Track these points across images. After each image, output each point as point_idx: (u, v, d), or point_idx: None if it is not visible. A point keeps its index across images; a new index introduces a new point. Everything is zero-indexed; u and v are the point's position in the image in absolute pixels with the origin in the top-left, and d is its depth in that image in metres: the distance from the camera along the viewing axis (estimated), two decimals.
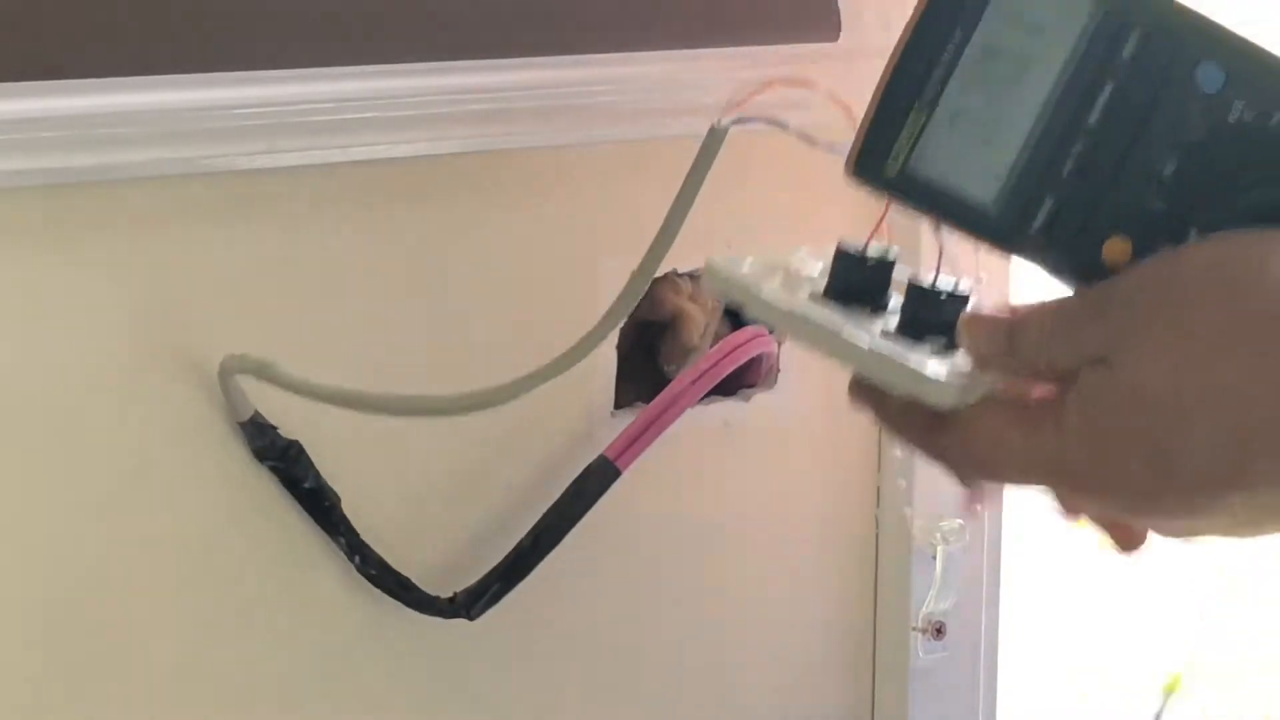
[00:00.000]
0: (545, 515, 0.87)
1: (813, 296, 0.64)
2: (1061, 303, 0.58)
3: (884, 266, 0.63)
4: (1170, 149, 0.57)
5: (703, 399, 0.90)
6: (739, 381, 0.97)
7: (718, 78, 0.92)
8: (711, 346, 0.92)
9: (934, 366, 0.59)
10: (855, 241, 0.64)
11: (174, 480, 0.81)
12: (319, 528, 0.85)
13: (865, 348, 0.60)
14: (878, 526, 1.06)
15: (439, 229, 0.87)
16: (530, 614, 0.90)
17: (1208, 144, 0.57)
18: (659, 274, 0.93)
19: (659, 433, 0.87)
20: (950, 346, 0.60)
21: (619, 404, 0.94)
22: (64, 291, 0.77)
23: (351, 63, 0.81)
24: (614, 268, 0.90)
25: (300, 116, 0.79)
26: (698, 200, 0.72)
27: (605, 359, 0.93)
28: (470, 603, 0.87)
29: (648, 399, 0.91)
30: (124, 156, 0.75)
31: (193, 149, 0.77)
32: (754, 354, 0.90)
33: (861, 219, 0.66)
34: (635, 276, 0.76)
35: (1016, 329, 0.58)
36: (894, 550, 1.05)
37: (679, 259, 0.94)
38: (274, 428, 0.82)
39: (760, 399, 0.99)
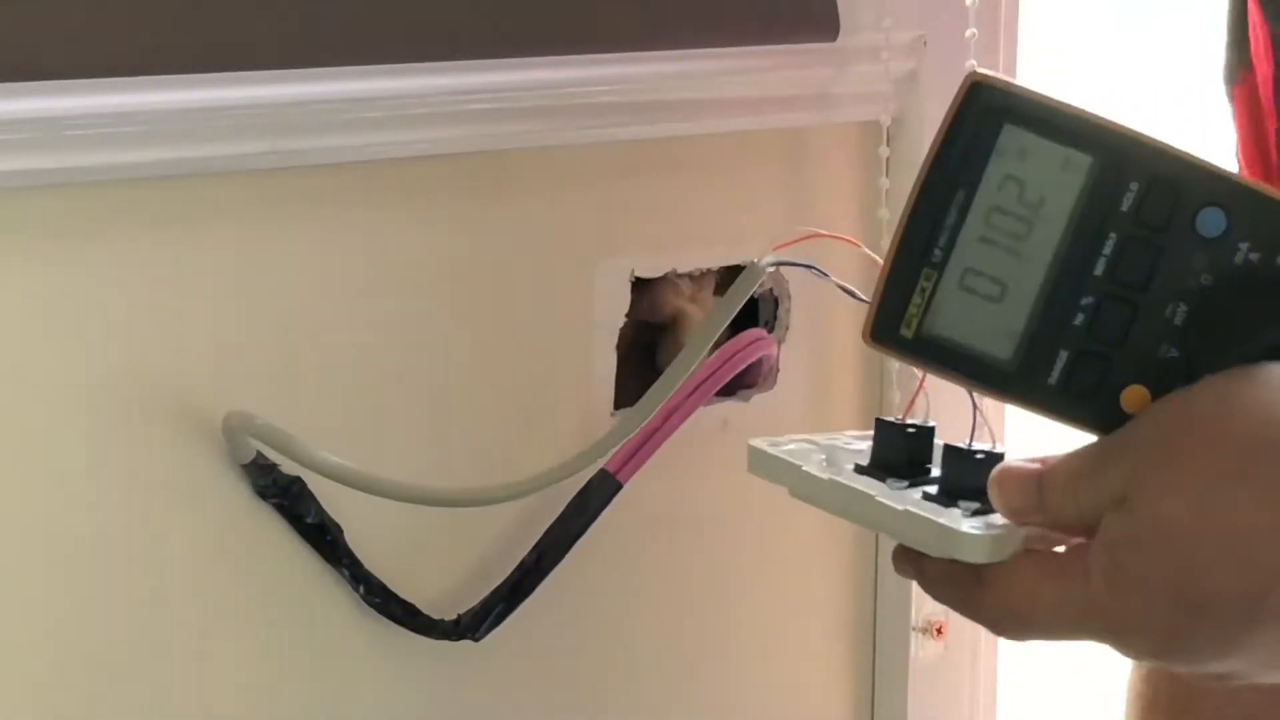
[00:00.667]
0: (547, 532, 0.87)
1: (856, 469, 0.66)
2: (1086, 449, 0.59)
3: (924, 434, 0.65)
4: (1179, 296, 0.58)
5: (705, 402, 0.90)
6: (739, 382, 0.97)
7: (718, 78, 0.93)
8: (711, 348, 0.92)
9: (968, 525, 0.61)
10: (894, 416, 0.66)
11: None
12: (323, 560, 0.84)
13: (900, 509, 0.61)
14: None
15: (439, 229, 0.87)
16: (534, 631, 0.90)
17: (1215, 288, 0.57)
18: (659, 275, 0.94)
19: (659, 444, 0.87)
20: (985, 509, 0.61)
21: (619, 404, 0.93)
22: (62, 297, 0.77)
23: (351, 63, 0.80)
24: (614, 268, 0.91)
25: (301, 116, 0.79)
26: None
27: (605, 359, 0.93)
28: (475, 624, 0.87)
29: None
30: (124, 156, 0.75)
31: (193, 149, 0.77)
32: (753, 359, 0.90)
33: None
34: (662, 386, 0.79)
35: (1045, 480, 0.59)
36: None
37: (679, 260, 0.94)
38: (275, 466, 0.82)
39: (760, 399, 0.99)
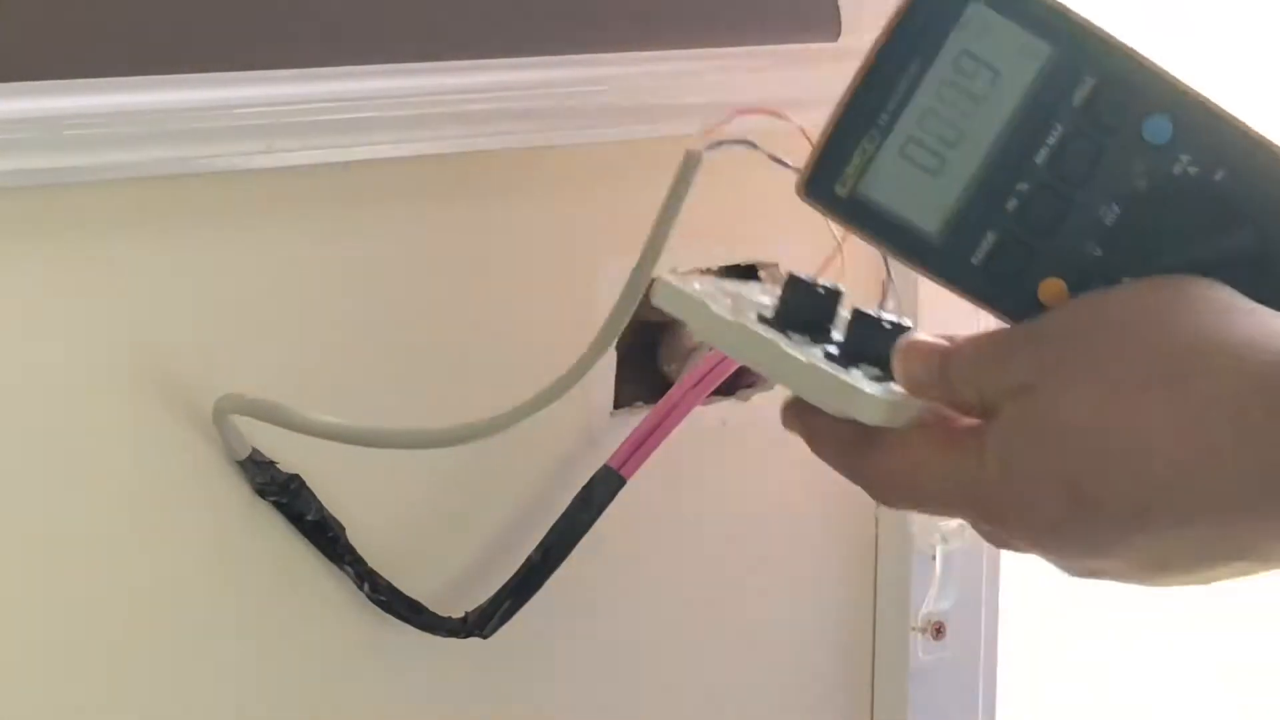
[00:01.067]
0: (553, 528, 0.87)
1: (760, 319, 0.65)
2: (994, 334, 0.59)
3: (832, 296, 0.65)
4: (1114, 197, 0.58)
5: (703, 401, 0.90)
6: (738, 381, 0.97)
7: (718, 78, 0.92)
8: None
9: (868, 385, 0.61)
10: (808, 273, 0.66)
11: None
12: (325, 558, 0.84)
13: (803, 361, 0.61)
14: (877, 526, 1.06)
15: (439, 229, 0.87)
16: (541, 627, 0.90)
17: (1150, 195, 0.58)
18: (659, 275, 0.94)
19: (662, 439, 0.87)
20: (885, 376, 0.62)
21: (619, 403, 0.93)
22: (59, 297, 0.77)
23: (351, 63, 0.80)
24: (614, 268, 0.91)
25: (300, 116, 0.79)
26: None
27: (605, 359, 0.92)
28: (483, 621, 0.87)
29: (647, 398, 0.91)
30: (124, 156, 0.75)
31: (193, 149, 0.77)
32: None
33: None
34: (622, 299, 0.77)
35: (950, 357, 0.59)
36: (894, 550, 1.06)
37: (679, 260, 0.94)
38: (273, 463, 0.81)
39: (760, 399, 0.99)
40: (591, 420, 0.92)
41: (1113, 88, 0.58)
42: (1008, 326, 0.59)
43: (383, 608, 0.85)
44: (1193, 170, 0.58)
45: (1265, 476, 0.53)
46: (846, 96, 0.60)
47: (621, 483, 0.87)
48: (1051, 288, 0.59)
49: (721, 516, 0.99)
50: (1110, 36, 0.58)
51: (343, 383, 0.84)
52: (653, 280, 0.67)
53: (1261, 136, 0.58)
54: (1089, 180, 0.58)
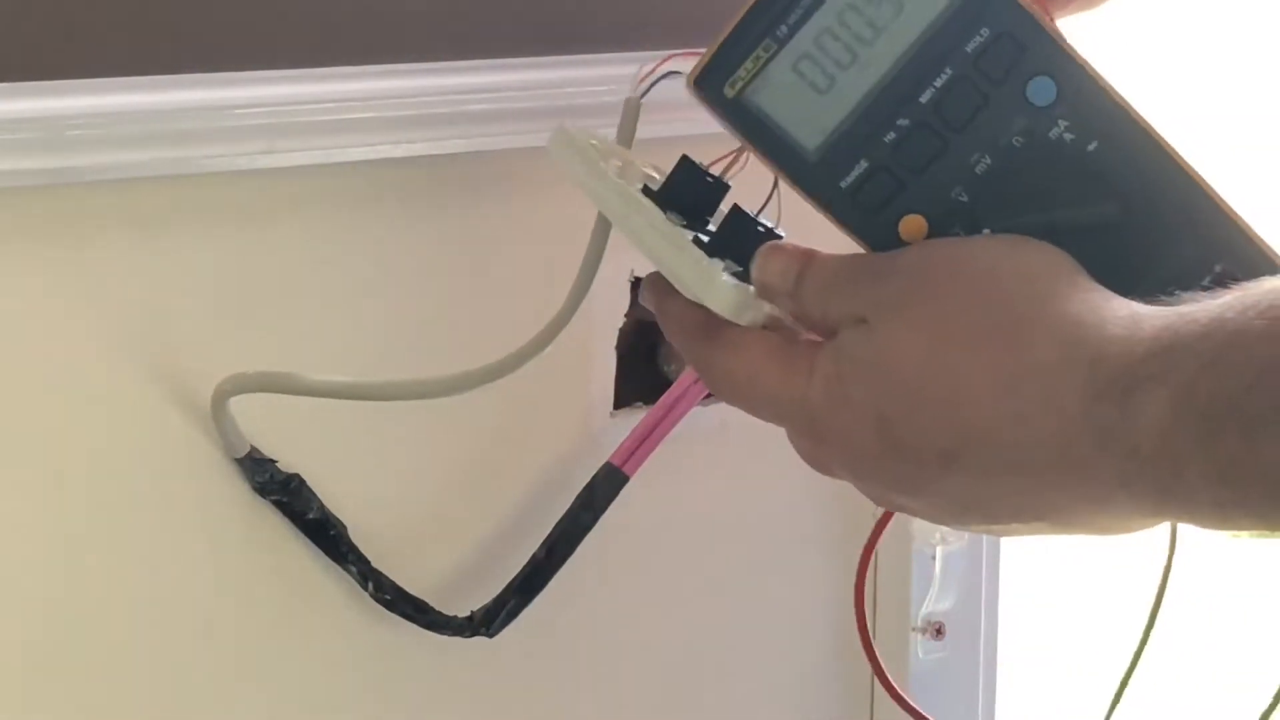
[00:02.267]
0: (557, 526, 0.87)
1: (645, 190, 0.66)
2: (849, 258, 0.60)
3: (718, 188, 0.66)
4: (988, 149, 0.59)
5: (703, 399, 0.90)
6: None
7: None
8: None
9: (724, 276, 0.62)
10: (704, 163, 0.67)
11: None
12: (328, 558, 0.84)
13: (667, 234, 0.63)
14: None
15: (439, 229, 0.87)
16: (545, 627, 0.90)
17: (1024, 153, 0.59)
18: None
19: (663, 436, 0.87)
20: (745, 278, 0.63)
21: (619, 404, 0.94)
22: (61, 297, 0.77)
23: (351, 63, 0.81)
24: (613, 268, 0.91)
25: (300, 116, 0.79)
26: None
27: (605, 359, 0.93)
28: (488, 620, 0.87)
29: (647, 399, 0.91)
30: (124, 156, 0.75)
31: (193, 149, 0.77)
32: None
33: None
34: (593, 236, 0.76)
35: (806, 271, 0.60)
36: (894, 550, 1.06)
37: None
38: (273, 461, 0.82)
39: None
40: (592, 420, 0.93)
41: (1006, 42, 0.59)
42: (863, 254, 0.61)
43: (387, 607, 0.85)
44: (1069, 136, 0.59)
45: (1064, 450, 0.54)
46: (751, 1, 0.61)
47: (624, 480, 0.87)
48: (913, 224, 0.60)
49: (722, 516, 0.99)
50: None
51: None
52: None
53: (1139, 115, 0.60)
54: (968, 127, 0.59)
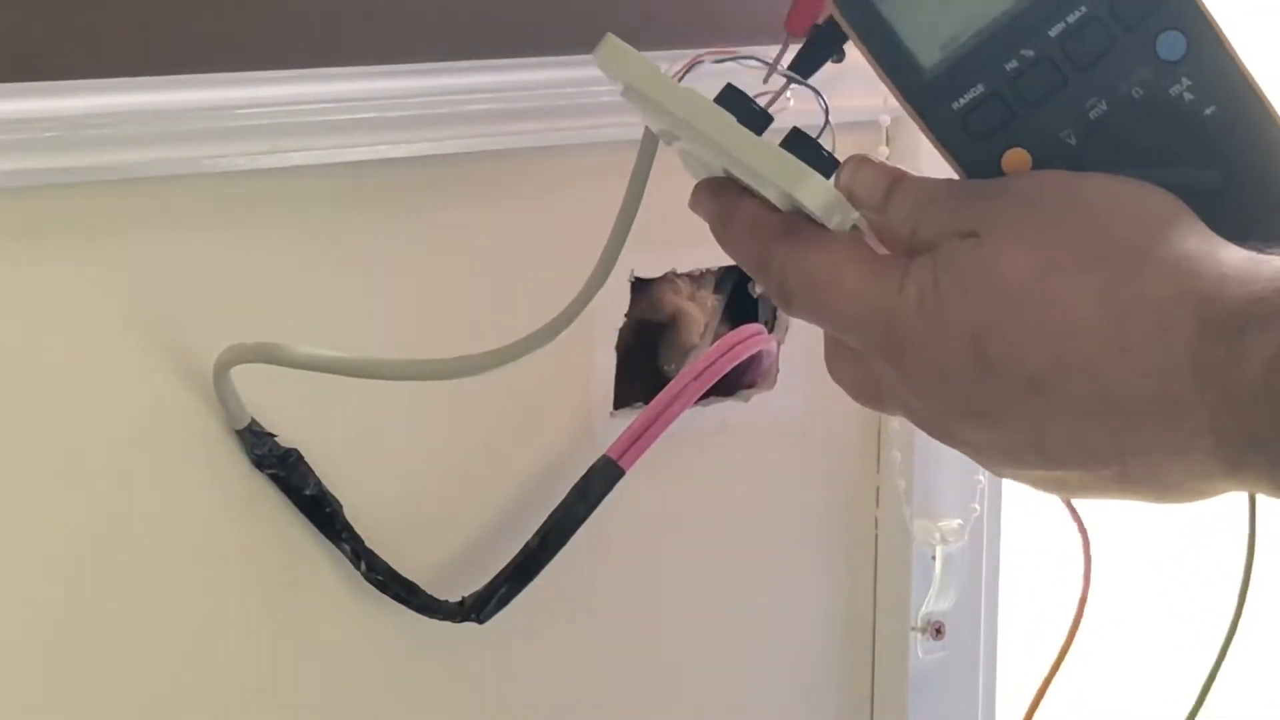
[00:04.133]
0: (551, 516, 0.87)
1: None
2: (950, 180, 0.59)
3: (765, 118, 0.63)
4: (1107, 94, 0.58)
5: (702, 399, 0.90)
6: (739, 381, 0.97)
7: (718, 79, 0.93)
8: (711, 346, 0.92)
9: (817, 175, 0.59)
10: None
11: (174, 489, 0.81)
12: (322, 535, 0.85)
13: (745, 133, 0.60)
14: (877, 526, 1.06)
15: (439, 229, 0.87)
16: (537, 615, 0.90)
17: (1140, 105, 0.58)
18: (659, 275, 0.94)
19: (660, 431, 0.87)
20: None
21: (619, 404, 0.94)
22: (63, 292, 0.77)
23: (351, 63, 0.81)
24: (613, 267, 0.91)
25: (300, 116, 0.80)
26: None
27: (605, 359, 0.93)
28: (479, 606, 0.87)
29: (648, 399, 0.91)
30: (124, 156, 0.76)
31: (193, 149, 0.77)
32: (753, 351, 0.90)
33: None
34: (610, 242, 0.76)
35: (898, 185, 0.59)
36: (894, 550, 1.06)
37: (678, 260, 0.94)
38: (272, 435, 0.82)
39: (760, 399, 0.99)
40: (592, 420, 0.93)
41: None
42: (964, 179, 0.59)
43: (379, 588, 0.86)
44: (1188, 97, 0.58)
45: (1162, 385, 0.53)
46: None
47: (620, 473, 0.87)
48: (1016, 158, 0.59)
49: (722, 516, 0.99)
50: None
51: (342, 381, 0.84)
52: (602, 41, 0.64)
53: (1259, 87, 0.59)
54: (1090, 69, 0.58)
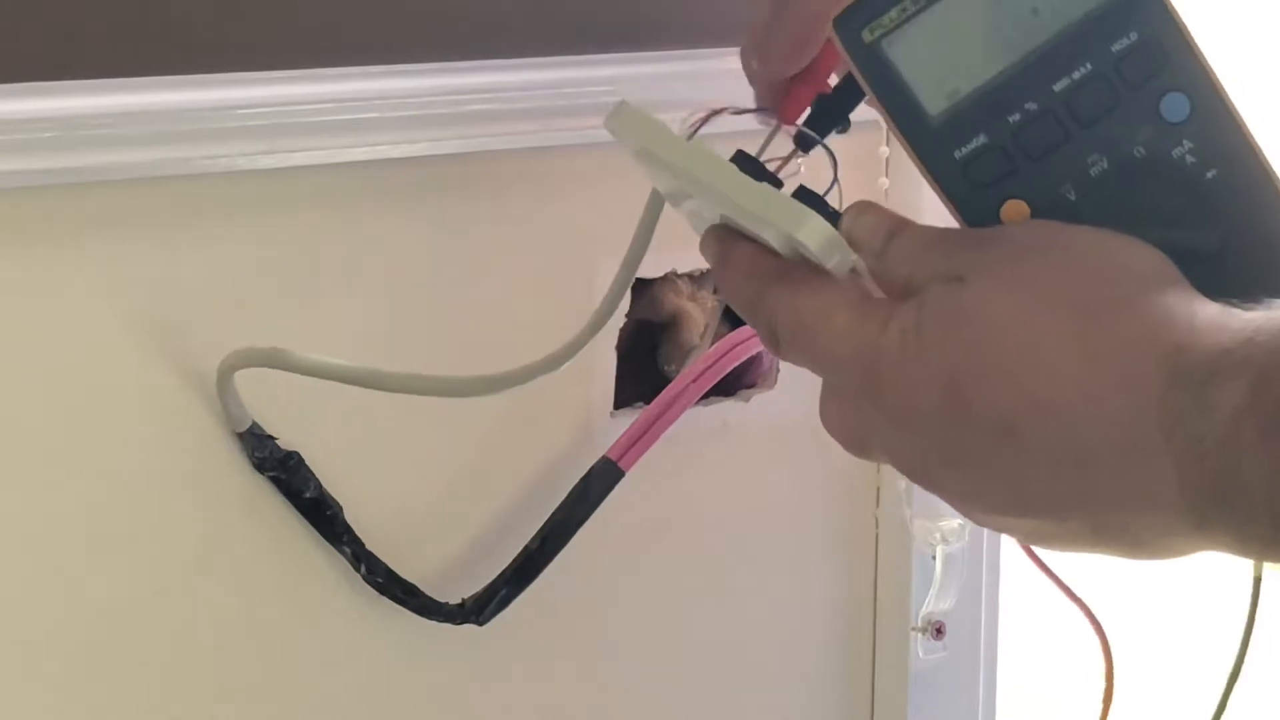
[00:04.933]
0: (551, 517, 0.87)
1: None
2: (950, 229, 0.59)
3: (775, 182, 0.65)
4: (1108, 152, 0.59)
5: (703, 399, 0.90)
6: (739, 381, 0.97)
7: (717, 78, 0.93)
8: (711, 346, 0.92)
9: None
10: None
11: (174, 492, 0.81)
12: (323, 538, 0.85)
13: (752, 183, 0.61)
14: (878, 526, 1.06)
15: (439, 229, 0.87)
16: (537, 617, 0.90)
17: (1142, 165, 0.58)
18: (659, 275, 0.94)
19: (660, 432, 0.87)
20: None
21: (619, 404, 0.94)
22: (63, 293, 0.77)
23: (351, 63, 0.81)
24: (613, 268, 0.91)
25: (300, 116, 0.79)
26: None
27: (605, 359, 0.93)
28: (479, 608, 0.87)
29: (648, 399, 0.91)
30: (124, 156, 0.75)
31: (193, 149, 0.77)
32: (754, 352, 0.90)
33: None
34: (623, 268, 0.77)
35: (901, 231, 0.59)
36: (894, 550, 1.06)
37: (678, 260, 0.94)
38: (273, 438, 0.82)
39: (760, 399, 0.99)
40: (592, 421, 0.93)
41: (1153, 50, 0.58)
42: (963, 227, 0.60)
43: (379, 590, 0.86)
44: (1190, 159, 0.58)
45: (1129, 432, 0.53)
46: None
47: (620, 474, 0.87)
48: (1015, 209, 0.59)
49: (722, 516, 0.99)
50: (1173, 7, 0.59)
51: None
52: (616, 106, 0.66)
53: (1262, 152, 0.59)
54: (1093, 126, 0.59)
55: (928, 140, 0.60)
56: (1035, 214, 0.59)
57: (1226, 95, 0.59)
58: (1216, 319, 0.54)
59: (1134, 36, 0.58)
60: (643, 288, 0.94)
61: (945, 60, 0.59)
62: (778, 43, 0.70)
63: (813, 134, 0.70)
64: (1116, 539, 0.56)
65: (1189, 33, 0.59)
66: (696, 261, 0.94)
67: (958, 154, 0.59)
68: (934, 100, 0.59)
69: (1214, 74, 0.59)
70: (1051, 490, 0.55)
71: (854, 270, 0.60)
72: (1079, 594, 0.94)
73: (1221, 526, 0.53)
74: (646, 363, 0.95)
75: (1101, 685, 0.93)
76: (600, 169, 0.91)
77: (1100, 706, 0.84)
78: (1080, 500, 0.55)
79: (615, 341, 0.93)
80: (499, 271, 0.89)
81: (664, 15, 0.90)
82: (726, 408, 0.98)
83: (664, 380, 0.92)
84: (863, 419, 0.59)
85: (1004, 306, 0.55)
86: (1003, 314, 0.55)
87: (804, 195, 0.63)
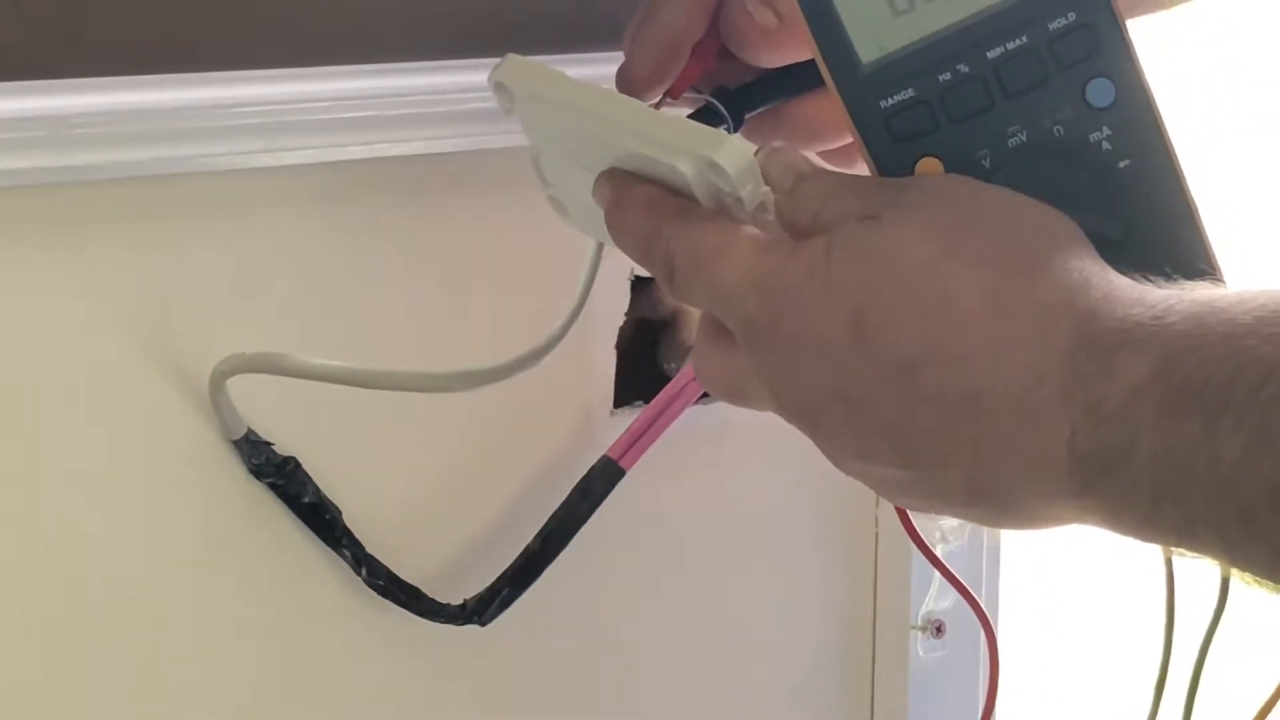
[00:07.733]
0: (552, 517, 0.87)
1: None
2: (861, 174, 0.60)
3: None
4: (1029, 126, 0.60)
5: (703, 397, 0.90)
6: None
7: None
8: None
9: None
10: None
11: (171, 500, 0.81)
12: (322, 542, 0.84)
13: (657, 115, 0.62)
14: (877, 525, 1.06)
15: (438, 228, 0.87)
16: (538, 617, 0.90)
17: (1057, 143, 0.60)
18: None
19: (661, 431, 0.87)
20: None
21: (619, 403, 0.94)
22: (62, 293, 0.77)
23: (350, 62, 0.81)
24: (613, 267, 0.91)
25: (300, 116, 0.79)
26: None
27: (605, 358, 0.93)
28: (481, 609, 0.87)
29: (648, 398, 0.91)
30: (118, 155, 0.75)
31: (188, 148, 0.77)
32: None
33: None
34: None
35: (809, 175, 0.60)
36: (894, 550, 1.06)
37: None
38: (269, 444, 0.82)
39: None
40: (592, 419, 0.93)
41: (1087, 34, 0.59)
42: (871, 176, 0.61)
43: (380, 593, 0.85)
44: (1106, 146, 0.59)
45: (1029, 388, 0.53)
46: None
47: (621, 474, 0.87)
48: (930, 165, 0.60)
49: (722, 515, 0.99)
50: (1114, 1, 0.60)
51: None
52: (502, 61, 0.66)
53: (1176, 155, 0.60)
54: (1018, 98, 0.60)
55: (854, 86, 0.60)
56: (948, 170, 0.60)
57: (1151, 91, 0.60)
58: (1130, 291, 0.54)
59: (1072, 18, 0.59)
60: (643, 287, 0.93)
61: (886, 12, 0.60)
62: (641, 59, 0.71)
63: (714, 101, 0.70)
64: (989, 497, 0.56)
65: (1125, 24, 0.59)
66: None
67: (884, 104, 0.60)
68: (867, 49, 0.60)
69: (1141, 67, 0.60)
70: (938, 437, 0.55)
71: (761, 206, 0.61)
72: (962, 580, 0.94)
73: (1100, 497, 0.53)
74: (646, 362, 0.95)
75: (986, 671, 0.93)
76: None
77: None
78: (965, 450, 0.55)
79: (615, 341, 0.93)
80: (498, 271, 0.89)
81: None
82: (727, 407, 0.97)
83: (664, 379, 0.92)
84: (742, 363, 0.59)
85: (919, 249, 0.55)
86: (917, 256, 0.55)
87: (709, 116, 0.65)
